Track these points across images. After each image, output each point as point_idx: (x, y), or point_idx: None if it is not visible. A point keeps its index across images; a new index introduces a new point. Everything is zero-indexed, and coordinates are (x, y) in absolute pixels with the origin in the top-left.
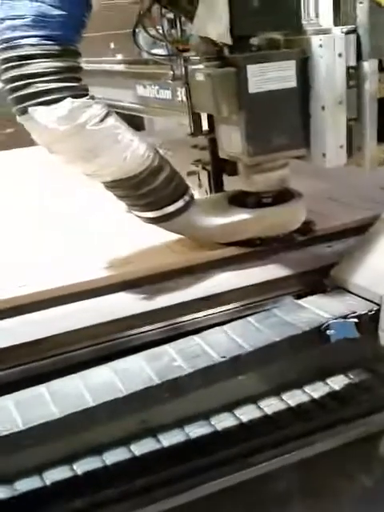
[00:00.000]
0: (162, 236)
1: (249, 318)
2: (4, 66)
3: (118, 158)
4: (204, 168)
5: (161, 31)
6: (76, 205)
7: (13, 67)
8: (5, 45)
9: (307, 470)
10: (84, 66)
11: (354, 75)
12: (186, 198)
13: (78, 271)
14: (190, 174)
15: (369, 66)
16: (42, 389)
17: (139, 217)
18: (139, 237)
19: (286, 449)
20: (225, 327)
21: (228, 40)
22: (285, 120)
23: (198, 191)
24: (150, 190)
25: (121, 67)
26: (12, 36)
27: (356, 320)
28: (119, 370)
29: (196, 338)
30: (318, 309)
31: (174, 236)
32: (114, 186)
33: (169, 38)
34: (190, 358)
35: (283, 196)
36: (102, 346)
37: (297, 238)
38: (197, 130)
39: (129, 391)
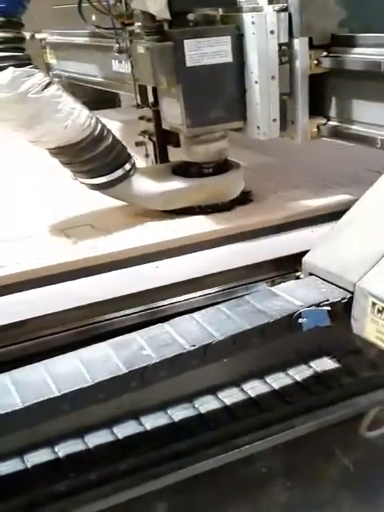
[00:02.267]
0: None
1: (220, 306)
2: None
3: (60, 125)
4: (150, 139)
5: (105, 4)
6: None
7: None
8: None
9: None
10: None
11: (286, 52)
12: (127, 166)
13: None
14: (137, 144)
15: (299, 43)
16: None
17: (84, 183)
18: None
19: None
20: (195, 315)
21: (166, 15)
22: (222, 93)
23: (145, 161)
24: (91, 158)
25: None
26: None
27: (329, 308)
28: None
29: (165, 326)
30: (291, 296)
31: None
32: (58, 153)
33: (114, 12)
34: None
35: (224, 167)
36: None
37: (234, 206)
38: (142, 101)
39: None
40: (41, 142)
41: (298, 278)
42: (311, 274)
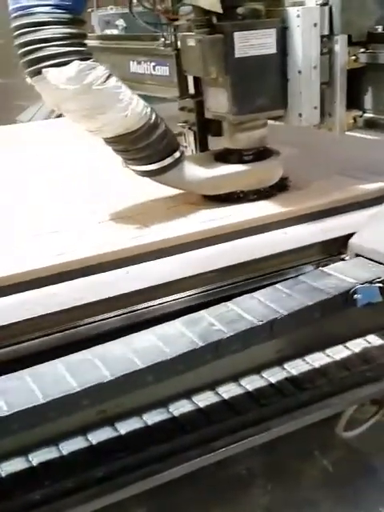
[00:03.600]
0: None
1: (277, 286)
2: (18, 32)
3: (120, 114)
4: (190, 128)
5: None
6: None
7: (26, 33)
8: (20, 12)
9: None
10: None
11: (326, 43)
12: (177, 153)
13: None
14: (177, 135)
15: (340, 39)
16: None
17: (135, 170)
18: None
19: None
20: (255, 294)
21: (219, 9)
22: (266, 83)
23: (185, 151)
24: (146, 145)
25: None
26: (27, 4)
27: (381, 285)
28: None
29: (229, 305)
30: (343, 275)
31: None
32: (114, 141)
33: (160, 9)
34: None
35: (264, 154)
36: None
37: (273, 192)
38: (184, 92)
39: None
40: (101, 131)
41: (342, 260)
42: (358, 255)
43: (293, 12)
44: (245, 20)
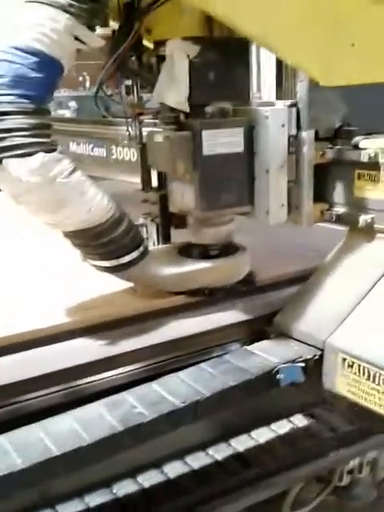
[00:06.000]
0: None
1: (202, 365)
2: None
3: (83, 209)
4: (153, 221)
5: (119, 95)
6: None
7: None
8: None
9: None
10: None
11: (293, 143)
12: (142, 248)
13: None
14: (138, 226)
15: (307, 135)
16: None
17: (95, 266)
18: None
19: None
20: (180, 374)
21: (186, 108)
22: (233, 180)
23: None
24: (109, 240)
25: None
26: None
27: (303, 364)
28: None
29: (153, 385)
30: (267, 354)
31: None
32: (75, 235)
33: (126, 103)
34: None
35: (229, 249)
36: (62, 393)
37: (240, 287)
38: (147, 186)
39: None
40: (61, 224)
41: (268, 338)
42: (281, 334)
43: (262, 112)
44: (213, 118)
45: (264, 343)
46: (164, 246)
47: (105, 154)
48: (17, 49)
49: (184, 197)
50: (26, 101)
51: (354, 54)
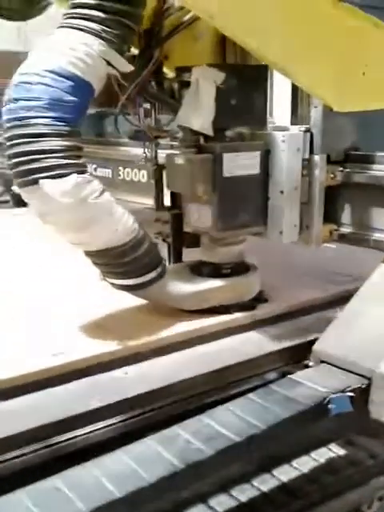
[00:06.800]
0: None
1: (250, 395)
2: (14, 142)
3: (111, 229)
4: (164, 240)
5: (139, 119)
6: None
7: (23, 143)
8: (17, 123)
9: None
10: None
11: (306, 166)
12: (160, 267)
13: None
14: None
15: (320, 159)
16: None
17: (113, 284)
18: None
19: None
20: (229, 406)
21: (210, 132)
22: (248, 201)
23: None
24: (131, 260)
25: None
26: (26, 115)
27: (352, 394)
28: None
29: (204, 419)
30: (312, 383)
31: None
32: (97, 254)
33: (145, 125)
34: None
35: (240, 267)
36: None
37: (254, 304)
38: (160, 206)
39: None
40: (86, 244)
41: (306, 366)
42: (322, 362)
43: (278, 137)
44: (233, 142)
45: (308, 372)
46: (176, 264)
47: (110, 175)
48: (52, 72)
49: (201, 217)
50: (61, 123)
51: (366, 81)
